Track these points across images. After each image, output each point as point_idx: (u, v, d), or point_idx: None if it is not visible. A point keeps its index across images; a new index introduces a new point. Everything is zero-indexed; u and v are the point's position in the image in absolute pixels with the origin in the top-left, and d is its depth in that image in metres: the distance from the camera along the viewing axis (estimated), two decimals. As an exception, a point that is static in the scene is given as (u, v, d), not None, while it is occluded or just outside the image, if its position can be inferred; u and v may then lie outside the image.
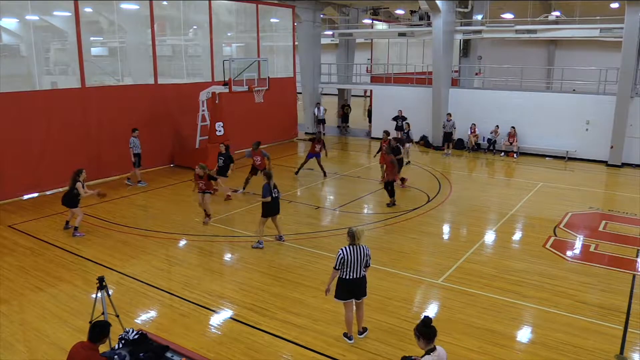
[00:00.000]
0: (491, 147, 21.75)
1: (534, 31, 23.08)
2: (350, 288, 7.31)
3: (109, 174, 16.57)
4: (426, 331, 5.11)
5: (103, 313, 6.77)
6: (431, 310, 8.58)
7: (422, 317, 5.27)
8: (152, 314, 8.38)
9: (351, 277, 7.23)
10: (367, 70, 33.09)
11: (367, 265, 7.37)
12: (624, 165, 19.37)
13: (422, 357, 5.07)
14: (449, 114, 21.72)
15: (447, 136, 21.72)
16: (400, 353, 7.16)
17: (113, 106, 16.51)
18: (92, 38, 17.97)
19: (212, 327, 7.96)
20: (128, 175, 16.28)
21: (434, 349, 5.09)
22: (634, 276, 9.82)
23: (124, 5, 17.95)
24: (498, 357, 7.12)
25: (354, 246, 7.20)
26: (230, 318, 8.20)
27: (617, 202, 15.45)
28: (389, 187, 13.97)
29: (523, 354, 7.29)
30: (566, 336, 7.64)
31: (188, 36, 21.14)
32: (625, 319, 8.20)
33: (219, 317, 8.25)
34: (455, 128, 21.61)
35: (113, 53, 18.86)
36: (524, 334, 7.86)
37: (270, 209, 10.84)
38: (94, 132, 16.09)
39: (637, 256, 10.89)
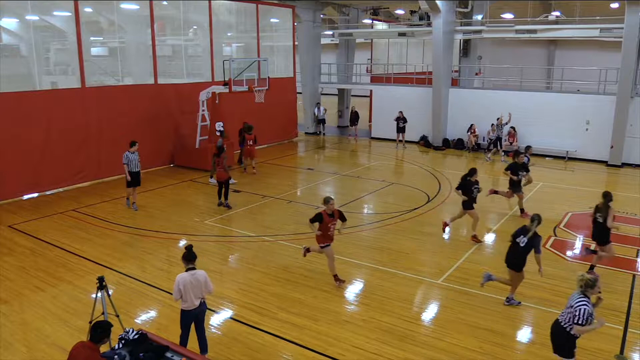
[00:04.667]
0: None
1: (534, 31, 23.07)
2: None
3: (109, 174, 16.57)
4: (186, 254, 6.67)
5: (103, 313, 6.78)
6: (431, 310, 8.59)
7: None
8: (152, 313, 8.38)
9: None
10: (367, 70, 33.08)
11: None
12: (624, 165, 19.37)
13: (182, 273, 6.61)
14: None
15: (496, 141, 20.71)
16: (400, 353, 7.18)
17: (113, 106, 16.51)
18: (92, 38, 17.97)
19: (211, 327, 7.96)
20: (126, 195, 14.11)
21: (193, 269, 6.64)
22: (634, 276, 9.83)
23: (124, 5, 17.95)
24: (498, 357, 7.13)
25: None
26: (230, 318, 8.21)
27: (617, 202, 15.33)
28: None
29: (523, 354, 7.30)
30: (566, 336, 7.62)
31: (188, 36, 21.14)
32: (625, 319, 8.22)
33: (219, 317, 8.25)
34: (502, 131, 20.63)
35: (113, 53, 18.85)
36: (523, 334, 7.87)
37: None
38: (93, 132, 16.10)
39: (637, 256, 10.90)
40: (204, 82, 19.22)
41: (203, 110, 18.14)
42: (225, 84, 17.45)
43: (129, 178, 13.34)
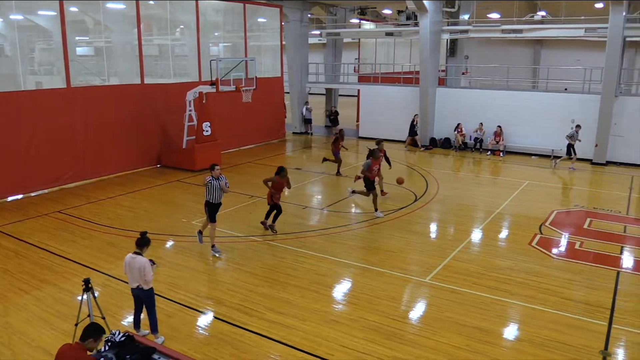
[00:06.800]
0: (477, 146, 21.90)
1: (520, 31, 23.26)
2: None
3: (95, 175, 16.44)
4: (138, 239, 7.20)
5: (89, 315, 6.73)
6: (419, 309, 8.62)
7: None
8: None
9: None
10: (354, 70, 33.13)
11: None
12: (608, 163, 19.58)
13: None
14: (579, 126, 19.01)
15: (569, 147, 18.92)
16: (388, 352, 7.20)
17: (99, 106, 16.37)
18: (77, 38, 17.80)
19: (199, 328, 7.93)
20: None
21: (139, 254, 7.10)
22: (618, 273, 9.93)
23: (110, 5, 17.81)
24: (485, 355, 7.17)
25: None
26: (218, 318, 8.17)
27: (602, 199, 15.62)
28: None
29: (510, 351, 7.35)
30: (552, 333, 7.71)
31: (175, 36, 21.03)
32: (609, 315, 8.30)
33: (206, 318, 8.22)
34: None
35: (99, 53, 18.69)
36: (510, 331, 7.92)
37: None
38: (79, 133, 15.94)
39: (621, 253, 11.02)
40: (191, 82, 19.11)
41: (190, 110, 18.05)
42: (212, 83, 17.39)
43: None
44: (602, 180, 17.88)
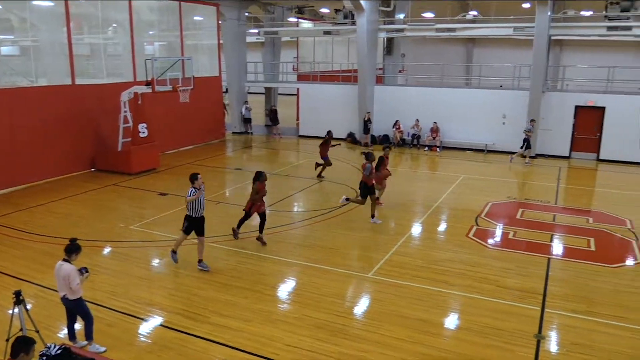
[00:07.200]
0: (415, 142, 22.46)
1: (453, 30, 23.99)
2: None
3: (24, 181, 15.63)
4: (66, 246, 6.87)
5: (21, 329, 6.41)
6: (363, 304, 8.76)
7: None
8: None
9: None
10: (293, 68, 33.14)
11: None
12: (537, 156, 20.57)
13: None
14: (533, 120, 19.78)
15: (525, 141, 19.60)
16: (334, 348, 7.27)
17: (27, 109, 15.57)
18: (1, 37, 16.89)
19: (141, 336, 7.72)
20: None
21: (66, 261, 6.81)
22: (548, 260, 10.47)
23: (37, 2, 16.97)
24: (428, 345, 7.38)
25: None
26: (160, 325, 7.98)
27: (533, 190, 16.40)
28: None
29: (450, 340, 7.60)
30: (490, 320, 8.04)
31: (107, 34, 20.29)
32: (542, 300, 8.74)
33: (148, 325, 8.00)
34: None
35: (25, 52, 17.79)
36: (450, 321, 8.19)
37: None
38: (5, 137, 15.09)
39: (551, 241, 11.63)
40: (125, 82, 18.52)
41: (125, 112, 17.49)
42: (147, 83, 16.94)
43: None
44: (532, 172, 18.75)
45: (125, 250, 10.98)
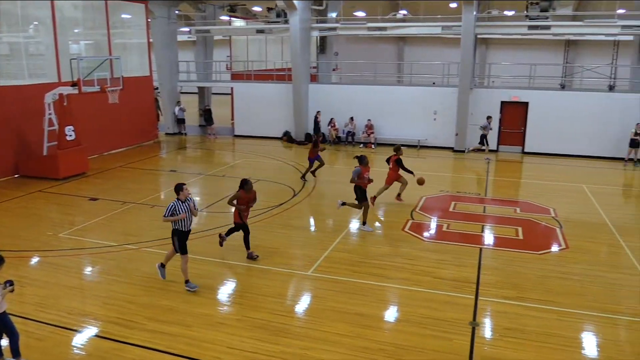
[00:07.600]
0: (350, 140, 22.78)
1: (384, 28, 24.46)
2: None
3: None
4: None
5: (-60, 349, 5.99)
6: (304, 302, 8.79)
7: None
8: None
9: None
10: (227, 67, 32.73)
11: None
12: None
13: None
14: (490, 117, 20.14)
15: (483, 138, 19.80)
16: (276, 347, 7.26)
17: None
18: None
19: (74, 348, 7.38)
20: None
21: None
22: (480, 249, 10.91)
23: (-55, -1, 15.89)
24: (368, 339, 7.50)
25: None
26: (95, 336, 7.67)
27: (464, 184, 17.04)
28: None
29: (390, 332, 7.77)
30: (427, 311, 8.28)
31: (28, 33, 19.24)
32: (475, 289, 9.10)
33: (82, 337, 7.67)
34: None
35: None
36: (390, 314, 8.37)
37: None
38: None
39: (482, 231, 12.12)
40: (49, 83, 17.62)
41: (50, 114, 16.64)
42: (73, 84, 16.21)
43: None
44: (463, 166, 19.46)
45: (55, 260, 10.47)
